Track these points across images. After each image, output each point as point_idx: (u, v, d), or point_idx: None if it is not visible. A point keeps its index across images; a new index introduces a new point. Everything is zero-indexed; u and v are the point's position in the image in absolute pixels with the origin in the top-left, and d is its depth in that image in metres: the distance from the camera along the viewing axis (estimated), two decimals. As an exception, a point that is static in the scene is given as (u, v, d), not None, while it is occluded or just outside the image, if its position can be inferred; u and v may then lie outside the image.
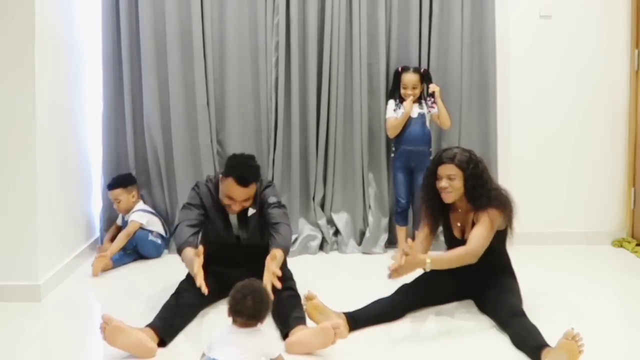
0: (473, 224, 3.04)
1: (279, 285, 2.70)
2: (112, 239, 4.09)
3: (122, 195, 4.11)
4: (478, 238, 2.95)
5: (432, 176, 3.10)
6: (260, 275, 2.72)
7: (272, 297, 2.42)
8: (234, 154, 3.21)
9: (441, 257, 2.96)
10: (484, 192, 3.01)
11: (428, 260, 2.83)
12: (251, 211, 3.17)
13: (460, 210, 3.13)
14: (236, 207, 3.09)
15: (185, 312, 2.94)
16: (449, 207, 3.17)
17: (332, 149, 4.26)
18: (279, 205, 3.14)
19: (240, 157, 3.13)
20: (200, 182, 3.24)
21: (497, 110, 4.25)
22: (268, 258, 2.82)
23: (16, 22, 3.22)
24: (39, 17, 3.28)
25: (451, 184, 3.03)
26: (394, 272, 2.78)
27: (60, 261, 3.61)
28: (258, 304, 2.31)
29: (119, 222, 4.23)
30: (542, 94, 4.36)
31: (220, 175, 3.12)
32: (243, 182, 3.00)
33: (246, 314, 2.31)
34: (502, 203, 3.01)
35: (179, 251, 3.01)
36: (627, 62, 4.36)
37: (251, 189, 3.05)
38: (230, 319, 2.35)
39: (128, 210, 4.13)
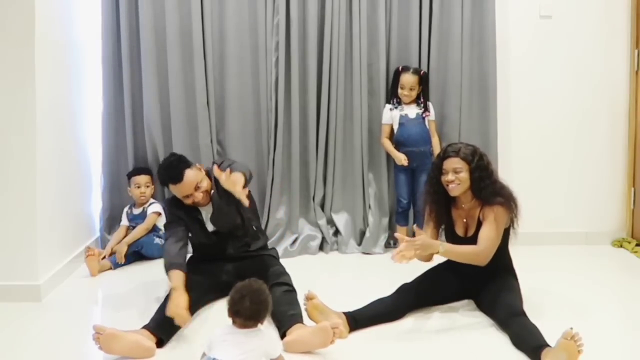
0: (479, 221, 3.05)
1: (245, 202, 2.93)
2: (120, 240, 4.05)
3: (150, 182, 4.15)
4: (488, 240, 2.96)
5: (438, 171, 3.10)
6: (252, 271, 2.76)
7: (270, 299, 2.40)
8: (158, 168, 3.31)
9: (453, 248, 2.97)
10: (490, 183, 3.02)
11: (441, 249, 2.84)
12: (212, 192, 3.25)
13: (464, 206, 3.13)
14: (198, 197, 3.16)
15: None
16: (453, 204, 3.17)
17: (332, 149, 4.26)
18: (233, 162, 3.21)
19: (161, 166, 3.26)
20: (167, 200, 3.40)
21: (497, 110, 4.24)
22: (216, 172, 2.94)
23: (16, 22, 3.22)
24: (39, 17, 3.28)
25: (457, 176, 3.03)
26: (398, 255, 2.78)
27: (60, 261, 3.61)
28: (256, 304, 2.31)
29: (124, 222, 4.18)
30: (542, 94, 4.36)
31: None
32: (176, 179, 3.10)
33: (244, 315, 2.31)
34: (507, 198, 3.01)
35: (166, 271, 3.03)
36: (627, 62, 4.36)
37: (190, 177, 3.12)
38: (230, 320, 2.35)
39: (147, 201, 4.14)
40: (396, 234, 2.98)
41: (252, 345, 2.30)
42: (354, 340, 2.82)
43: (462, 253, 2.98)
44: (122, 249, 3.90)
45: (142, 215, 4.12)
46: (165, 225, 3.29)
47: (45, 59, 3.37)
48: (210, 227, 3.26)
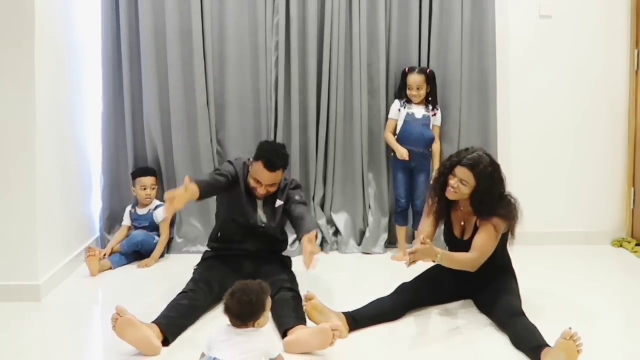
0: (476, 227, 3.05)
1: (315, 262, 2.80)
2: (122, 240, 4.05)
3: (155, 184, 4.15)
4: (482, 248, 2.97)
5: (450, 169, 3.07)
6: (264, 274, 2.76)
7: (268, 301, 2.40)
8: (266, 140, 3.46)
9: (450, 255, 2.95)
10: (486, 208, 3.00)
11: (439, 256, 2.84)
12: (279, 203, 3.28)
13: (462, 209, 3.13)
14: (262, 191, 3.20)
15: (191, 313, 2.95)
16: (452, 205, 3.17)
17: (332, 149, 4.26)
18: (304, 202, 3.28)
19: (272, 144, 3.35)
20: (238, 159, 3.37)
21: (497, 110, 4.24)
22: (305, 240, 2.89)
23: (16, 22, 3.22)
24: (39, 17, 3.28)
25: (460, 187, 3.01)
26: (411, 258, 2.77)
27: (60, 261, 3.61)
28: (244, 304, 2.31)
29: (126, 222, 4.16)
30: (542, 93, 4.36)
31: (251, 160, 3.25)
32: (271, 167, 3.14)
33: (232, 313, 2.32)
34: (505, 215, 3.00)
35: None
36: (627, 62, 4.36)
37: (278, 175, 3.18)
38: (227, 319, 2.36)
39: (151, 202, 4.13)
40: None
41: (252, 346, 2.30)
42: (354, 340, 2.82)
43: (457, 261, 2.97)
44: (151, 263, 3.92)
45: (147, 217, 4.11)
46: (216, 169, 3.32)
47: (45, 59, 3.37)
48: (259, 216, 3.29)
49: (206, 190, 3.06)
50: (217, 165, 4.21)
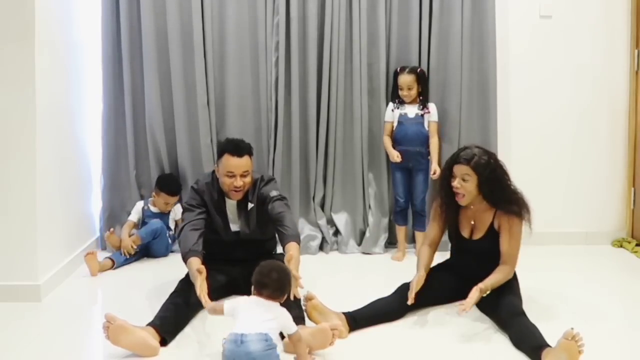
0: (490, 227, 3.05)
1: (299, 295, 2.72)
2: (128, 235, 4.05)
3: (178, 202, 4.20)
4: (512, 257, 3.02)
5: (449, 172, 3.08)
6: None
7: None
8: (228, 138, 3.37)
9: (492, 284, 2.92)
10: (503, 195, 3.00)
11: (488, 292, 2.87)
12: (250, 205, 3.24)
13: (472, 207, 3.11)
14: (238, 183, 3.13)
15: (185, 311, 2.95)
16: (461, 206, 3.16)
17: (332, 149, 4.26)
18: (281, 197, 3.20)
19: (231, 139, 3.30)
20: (200, 179, 3.35)
21: (497, 109, 4.24)
22: (286, 260, 2.79)
23: (16, 22, 3.22)
24: (39, 16, 3.28)
25: (464, 185, 3.01)
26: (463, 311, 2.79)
27: (60, 261, 3.61)
28: (283, 278, 2.51)
29: (133, 217, 4.14)
30: (542, 94, 4.36)
31: (215, 165, 3.23)
32: (237, 151, 3.13)
33: (272, 287, 2.48)
34: (521, 207, 3.01)
35: (184, 259, 3.02)
36: (627, 62, 4.36)
37: (247, 160, 3.16)
38: (254, 295, 2.51)
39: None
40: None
41: (275, 315, 2.44)
42: (354, 341, 2.82)
43: (498, 281, 2.95)
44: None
45: (162, 215, 4.13)
46: (185, 209, 3.28)
47: (45, 59, 3.37)
48: (233, 227, 3.28)
49: (202, 249, 3.06)
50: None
